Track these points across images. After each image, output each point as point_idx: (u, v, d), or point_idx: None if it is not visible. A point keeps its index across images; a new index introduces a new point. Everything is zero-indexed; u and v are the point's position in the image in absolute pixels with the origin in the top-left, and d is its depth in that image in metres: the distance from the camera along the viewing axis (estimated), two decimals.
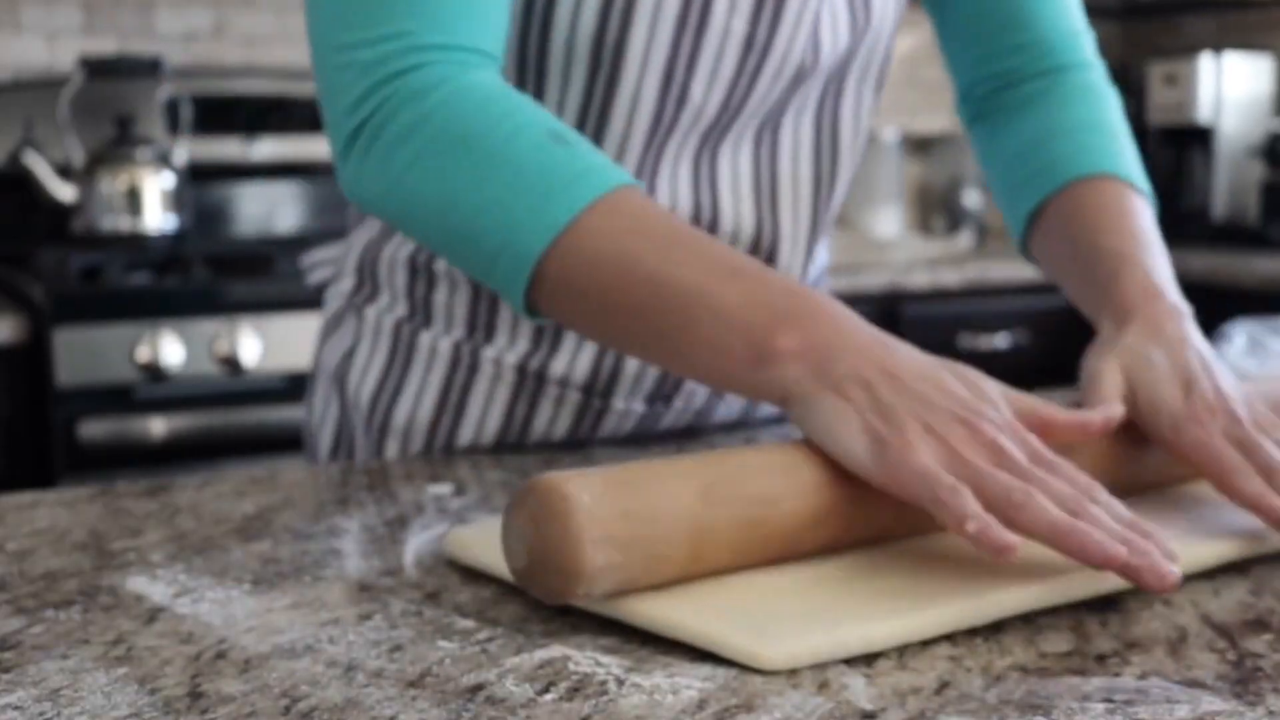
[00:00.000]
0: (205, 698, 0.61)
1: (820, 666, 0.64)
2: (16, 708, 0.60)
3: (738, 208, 1.07)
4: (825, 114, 1.09)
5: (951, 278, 3.02)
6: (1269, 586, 0.77)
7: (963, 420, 0.74)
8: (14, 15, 2.94)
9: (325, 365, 1.19)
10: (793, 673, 0.63)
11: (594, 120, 1.01)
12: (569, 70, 0.99)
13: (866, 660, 0.65)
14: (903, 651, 0.66)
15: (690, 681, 0.63)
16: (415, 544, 0.84)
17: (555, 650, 0.67)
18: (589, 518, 0.67)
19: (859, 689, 0.62)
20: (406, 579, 0.78)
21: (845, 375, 0.75)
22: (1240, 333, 1.35)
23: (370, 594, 0.75)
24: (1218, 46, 3.61)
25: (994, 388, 0.77)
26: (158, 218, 2.75)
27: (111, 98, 2.89)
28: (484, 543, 0.79)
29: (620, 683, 0.63)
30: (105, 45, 3.01)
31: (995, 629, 0.70)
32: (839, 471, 0.74)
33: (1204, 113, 3.56)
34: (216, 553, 0.83)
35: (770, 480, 0.73)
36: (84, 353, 2.29)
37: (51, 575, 0.79)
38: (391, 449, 1.12)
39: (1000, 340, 3.01)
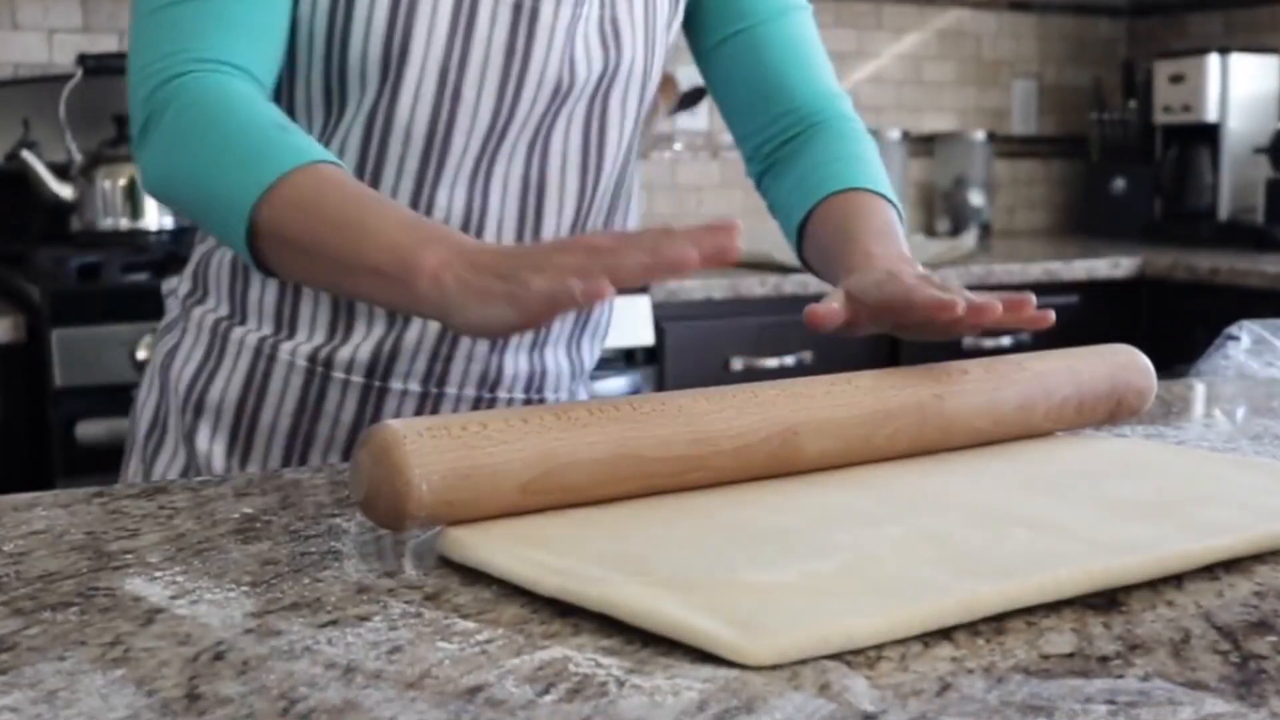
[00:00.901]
0: (203, 699, 0.61)
1: (822, 669, 0.64)
2: (13, 710, 0.60)
3: (503, 211, 1.25)
4: (592, 128, 1.28)
5: (955, 277, 3.02)
6: (1273, 588, 0.77)
7: (558, 247, 0.94)
8: (12, 13, 2.93)
9: (155, 358, 1.35)
10: (794, 674, 0.63)
11: (381, 120, 1.19)
12: (364, 78, 1.18)
13: (868, 662, 0.65)
14: (904, 653, 0.66)
15: (690, 683, 0.63)
16: (414, 545, 0.84)
17: (555, 651, 0.67)
18: (413, 449, 0.79)
19: (860, 690, 0.62)
20: (406, 580, 0.78)
21: (475, 275, 0.94)
22: (1245, 332, 1.35)
23: (369, 595, 0.75)
24: (1224, 46, 3.60)
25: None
26: (156, 217, 2.74)
27: (110, 96, 2.87)
28: (479, 542, 0.79)
29: (620, 684, 0.63)
30: (104, 44, 3.00)
31: (997, 630, 0.70)
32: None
33: (1210, 112, 3.55)
34: (214, 554, 0.83)
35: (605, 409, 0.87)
36: (82, 352, 2.28)
37: (49, 576, 0.79)
38: (203, 429, 1.29)
39: (1005, 339, 3.01)
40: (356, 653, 0.67)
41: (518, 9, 1.20)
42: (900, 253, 1.17)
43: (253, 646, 0.68)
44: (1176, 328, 3.19)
